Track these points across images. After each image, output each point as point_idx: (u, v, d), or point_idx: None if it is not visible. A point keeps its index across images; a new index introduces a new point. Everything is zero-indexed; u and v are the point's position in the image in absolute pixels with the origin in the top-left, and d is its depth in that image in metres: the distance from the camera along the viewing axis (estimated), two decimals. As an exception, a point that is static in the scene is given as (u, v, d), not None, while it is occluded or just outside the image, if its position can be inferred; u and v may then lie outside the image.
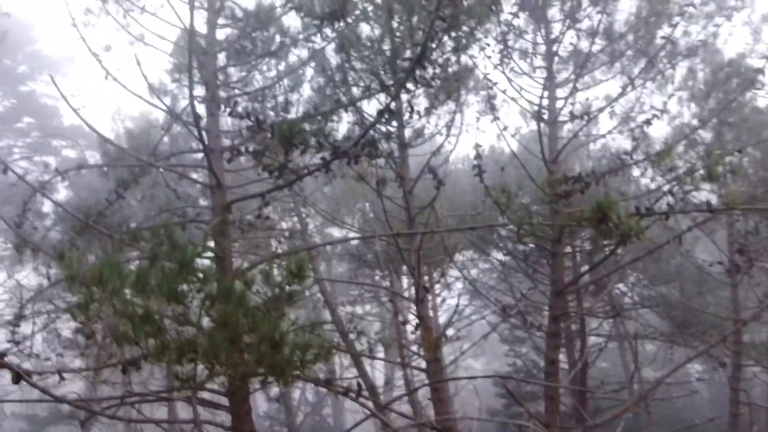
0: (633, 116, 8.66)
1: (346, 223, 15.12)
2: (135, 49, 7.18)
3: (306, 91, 8.36)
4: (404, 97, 4.96)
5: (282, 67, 7.35)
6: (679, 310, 12.17)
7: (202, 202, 10.47)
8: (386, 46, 5.89)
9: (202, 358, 3.00)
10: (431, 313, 15.51)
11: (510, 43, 7.30)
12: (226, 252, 5.77)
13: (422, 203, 8.26)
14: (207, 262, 5.84)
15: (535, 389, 18.64)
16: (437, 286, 15.05)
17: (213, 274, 3.78)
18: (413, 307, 8.47)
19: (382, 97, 5.75)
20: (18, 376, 3.00)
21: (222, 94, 6.59)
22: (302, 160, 5.39)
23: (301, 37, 5.89)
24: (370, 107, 6.71)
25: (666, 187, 6.26)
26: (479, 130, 9.17)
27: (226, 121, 7.91)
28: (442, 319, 16.90)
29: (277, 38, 6.81)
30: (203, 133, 5.89)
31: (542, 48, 7.71)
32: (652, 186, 6.42)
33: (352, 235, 11.72)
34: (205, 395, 5.19)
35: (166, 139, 7.59)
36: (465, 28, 4.02)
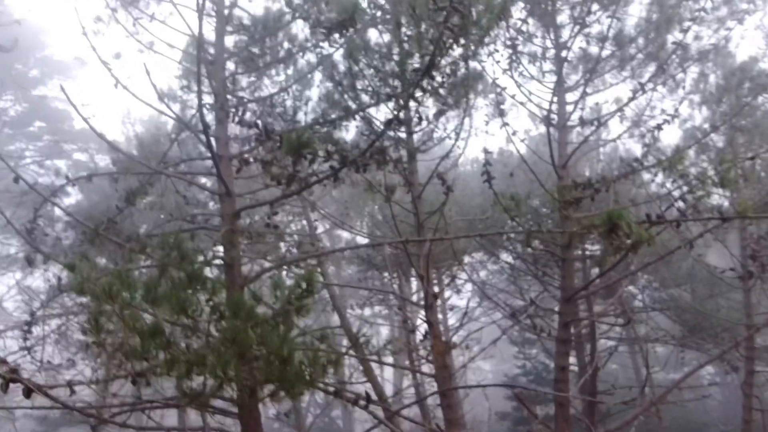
0: (644, 120, 8.60)
1: (354, 228, 15.15)
2: (144, 57, 7.22)
3: (314, 94, 8.36)
4: (412, 104, 4.94)
5: (290, 71, 7.35)
6: (691, 313, 12.05)
7: (212, 205, 10.51)
8: (395, 54, 5.88)
9: (211, 372, 3.00)
10: (440, 316, 15.48)
11: (519, 47, 7.26)
12: (234, 260, 5.78)
13: (431, 207, 8.23)
14: (216, 271, 5.86)
15: (545, 391, 18.55)
16: (446, 289, 15.02)
17: (221, 285, 3.78)
18: (422, 311, 8.45)
19: (390, 103, 5.74)
20: (29, 390, 3.02)
21: (231, 99, 6.61)
22: (311, 168, 5.38)
23: (309, 45, 5.88)
24: (379, 113, 6.68)
25: (677, 192, 6.21)
26: (488, 133, 9.16)
27: (235, 128, 7.94)
28: (452, 320, 16.88)
29: (286, 44, 6.82)
30: (212, 140, 5.92)
31: (551, 52, 7.66)
32: (663, 191, 6.36)
33: (360, 238, 11.70)
34: (215, 402, 5.21)
35: (175, 144, 7.59)
36: (473, 37, 4.00)
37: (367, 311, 16.20)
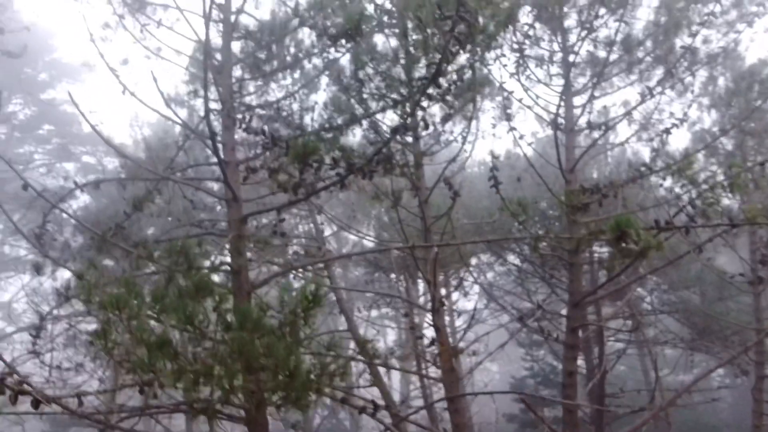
0: (652, 123, 8.54)
1: (361, 231, 15.14)
2: (152, 63, 7.26)
3: (321, 98, 8.35)
4: (419, 112, 4.93)
5: (297, 75, 7.36)
6: (700, 316, 11.96)
7: (220, 209, 10.55)
8: (401, 57, 5.87)
9: (218, 384, 3.00)
10: (447, 318, 15.46)
11: (526, 51, 7.23)
12: (242, 266, 5.79)
13: (438, 211, 8.21)
14: (223, 276, 5.87)
15: (553, 393, 18.46)
16: (454, 292, 14.98)
17: (228, 292, 3.78)
18: (429, 314, 8.44)
19: (397, 109, 5.72)
20: (37, 402, 3.03)
21: (238, 105, 6.62)
22: (317, 175, 5.38)
23: (315, 50, 5.88)
24: (386, 117, 6.67)
25: (686, 197, 6.16)
26: (495, 136, 9.13)
27: (242, 133, 7.95)
28: (459, 322, 16.83)
29: (292, 50, 6.82)
30: (219, 146, 5.93)
31: (559, 56, 7.62)
32: (672, 196, 6.31)
33: (367, 241, 11.69)
34: (222, 407, 5.22)
35: (183, 149, 7.61)
36: (480, 44, 3.99)
37: (374, 313, 16.20)
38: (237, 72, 7.00)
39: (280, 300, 3.37)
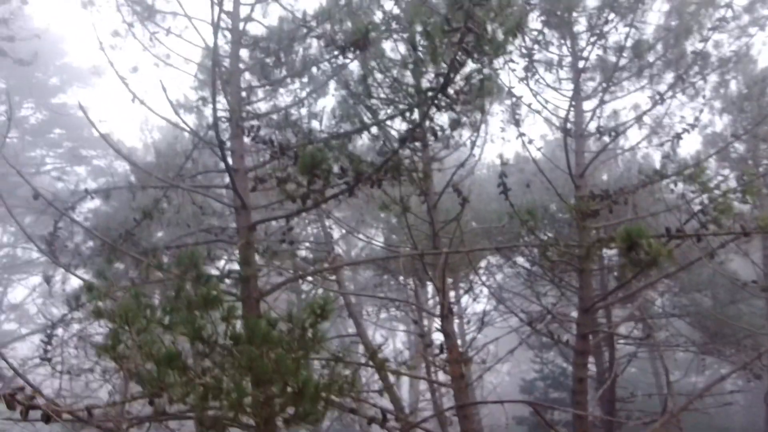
0: (663, 126, 8.47)
1: (369, 234, 15.13)
2: (161, 71, 7.29)
3: (329, 103, 8.33)
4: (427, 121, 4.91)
5: (305, 80, 7.36)
6: (712, 319, 11.84)
7: (229, 213, 10.57)
8: (410, 62, 5.84)
9: (227, 398, 3.00)
10: (457, 321, 15.41)
11: (535, 56, 7.19)
12: (250, 274, 5.80)
13: (447, 215, 8.19)
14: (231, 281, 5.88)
15: (563, 396, 18.37)
16: (463, 295, 14.94)
17: (237, 302, 3.78)
18: (438, 319, 8.42)
19: (405, 116, 5.71)
20: (48, 417, 3.05)
21: (246, 113, 6.63)
22: (326, 184, 5.37)
23: (323, 58, 5.88)
24: (394, 123, 6.65)
25: (697, 201, 6.09)
26: (504, 140, 9.10)
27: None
28: (468, 322, 16.77)
29: (300, 56, 6.82)
30: (227, 154, 5.95)
31: (568, 60, 7.58)
32: (683, 202, 6.25)
33: (376, 243, 11.67)
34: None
35: (193, 154, 7.64)
36: (488, 53, 3.96)
37: (382, 314, 16.19)
38: (245, 77, 7.03)
39: (288, 313, 3.37)
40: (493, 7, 3.58)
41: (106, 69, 6.91)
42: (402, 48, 7.46)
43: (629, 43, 6.65)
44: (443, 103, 4.08)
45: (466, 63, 4.03)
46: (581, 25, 7.14)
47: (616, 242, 4.53)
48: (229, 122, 5.89)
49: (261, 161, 6.45)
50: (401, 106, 5.72)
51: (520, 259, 12.44)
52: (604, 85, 7.12)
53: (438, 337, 8.50)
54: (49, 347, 6.96)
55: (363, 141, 7.27)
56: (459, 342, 14.46)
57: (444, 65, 3.74)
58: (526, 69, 7.14)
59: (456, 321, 14.58)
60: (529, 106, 7.36)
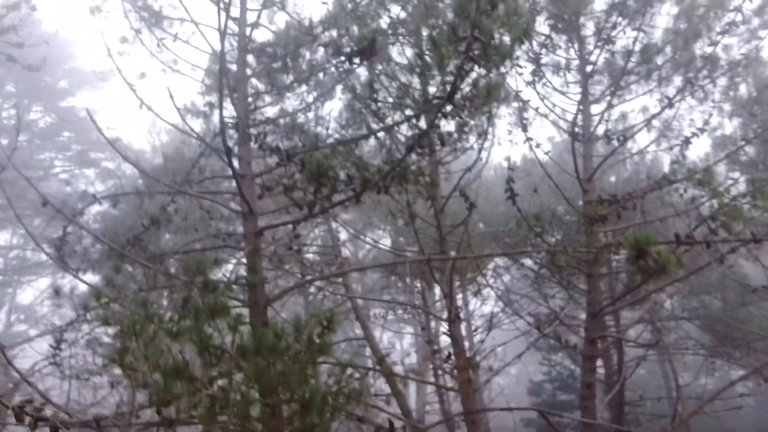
0: (672, 128, 8.42)
1: (376, 236, 15.11)
2: (168, 76, 7.32)
3: (336, 106, 8.33)
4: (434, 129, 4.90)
5: (312, 83, 7.37)
6: (721, 323, 11.73)
7: (237, 216, 10.60)
8: (417, 69, 5.83)
9: (235, 410, 3.01)
10: (464, 323, 15.37)
11: (543, 59, 7.16)
12: (258, 279, 5.81)
13: (454, 218, 8.16)
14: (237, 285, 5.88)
15: (571, 398, 18.29)
16: (469, 295, 14.90)
17: (244, 315, 3.79)
18: (446, 323, 8.40)
19: (413, 122, 5.69)
20: (56, 430, 3.06)
21: (253, 118, 6.64)
22: (332, 191, 5.36)
23: (330, 65, 5.88)
24: (401, 127, 6.64)
25: (707, 205, 6.05)
26: (511, 142, 9.06)
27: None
28: (476, 324, 16.73)
29: (307, 56, 6.82)
30: (234, 160, 5.96)
31: (575, 63, 7.54)
32: (692, 206, 6.20)
33: (383, 247, 11.66)
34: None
35: (200, 159, 7.66)
36: (495, 61, 3.95)
37: (390, 315, 16.18)
38: (252, 82, 7.04)
39: (295, 323, 3.36)
40: (500, 16, 3.57)
41: (111, 74, 6.94)
42: (409, 52, 7.46)
43: (637, 47, 6.60)
44: (450, 111, 4.07)
45: (472, 70, 4.02)
46: (589, 30, 7.10)
47: (624, 248, 4.49)
48: (236, 129, 5.89)
49: (268, 167, 6.45)
50: (408, 112, 5.71)
51: (527, 262, 12.39)
52: (612, 88, 7.07)
53: (445, 340, 8.49)
54: (58, 352, 7.01)
55: (370, 144, 7.27)
56: (466, 344, 14.44)
57: (451, 74, 3.72)
58: (534, 73, 7.10)
59: (464, 323, 14.56)
60: (536, 110, 7.32)
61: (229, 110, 6.18)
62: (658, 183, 5.94)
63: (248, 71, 6.70)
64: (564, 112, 7.70)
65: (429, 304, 10.92)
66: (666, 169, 9.41)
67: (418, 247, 7.48)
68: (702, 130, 6.51)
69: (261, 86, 7.11)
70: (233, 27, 6.40)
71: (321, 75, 6.29)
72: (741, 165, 8.19)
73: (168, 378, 3.04)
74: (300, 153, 5.63)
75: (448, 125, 6.11)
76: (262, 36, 6.59)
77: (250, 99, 6.79)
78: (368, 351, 10.32)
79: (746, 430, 20.22)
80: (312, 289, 13.05)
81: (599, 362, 11.33)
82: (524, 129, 6.90)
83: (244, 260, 6.89)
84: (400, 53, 7.43)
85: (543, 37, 6.79)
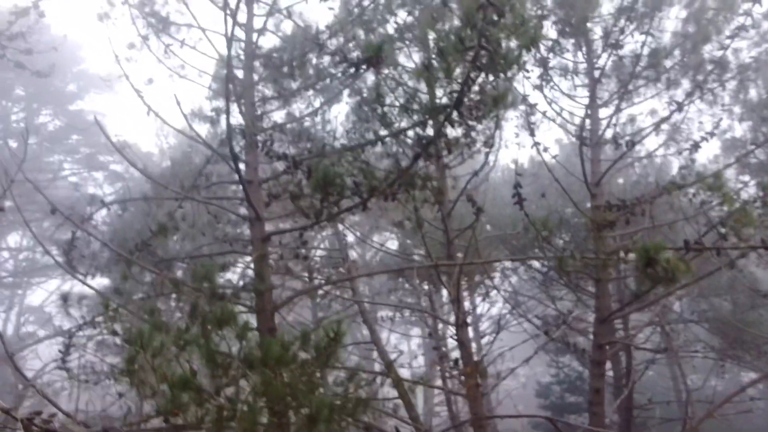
0: (680, 130, 8.35)
1: (384, 240, 15.09)
2: (175, 81, 7.34)
3: (343, 110, 8.30)
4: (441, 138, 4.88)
5: (319, 87, 7.36)
6: (731, 326, 11.63)
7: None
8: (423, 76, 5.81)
9: (241, 424, 3.01)
10: (472, 326, 15.34)
11: (550, 63, 7.12)
12: (265, 287, 5.81)
13: (461, 220, 8.13)
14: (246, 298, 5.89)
15: (579, 401, 18.21)
16: (477, 297, 14.86)
17: (252, 326, 3.79)
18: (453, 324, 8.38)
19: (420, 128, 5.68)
20: (65, 441, 3.08)
21: (260, 124, 6.64)
22: (339, 199, 5.36)
23: (336, 72, 5.88)
24: (409, 132, 6.62)
25: (716, 210, 6.00)
26: (519, 145, 9.02)
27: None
28: (484, 326, 16.69)
29: (314, 60, 6.82)
30: (241, 166, 5.97)
31: (583, 66, 7.49)
32: (702, 210, 6.15)
33: (391, 252, 11.65)
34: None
35: (207, 163, 7.68)
36: (503, 69, 3.93)
37: (397, 317, 16.16)
38: (259, 87, 7.05)
39: (302, 335, 3.36)
40: (507, 25, 3.55)
41: (118, 79, 6.96)
42: (416, 56, 7.44)
43: (646, 50, 6.56)
44: (457, 120, 4.06)
45: (479, 78, 4.00)
46: (597, 34, 7.05)
47: (633, 255, 4.46)
48: (243, 135, 5.90)
49: (275, 173, 6.45)
50: (416, 117, 5.70)
51: (535, 263, 12.34)
52: (621, 92, 7.02)
53: (452, 342, 8.45)
54: (66, 357, 7.05)
55: (377, 150, 7.25)
56: (474, 346, 14.40)
57: (458, 82, 3.71)
58: (541, 77, 7.07)
59: (471, 326, 14.52)
60: (544, 113, 7.29)
61: (236, 116, 6.20)
62: (667, 188, 5.90)
63: (255, 76, 6.70)
64: (572, 116, 7.65)
65: (436, 307, 10.90)
66: (675, 171, 9.35)
67: (425, 251, 7.46)
68: (711, 135, 6.45)
69: (268, 92, 7.12)
70: (240, 33, 6.41)
71: (328, 80, 6.28)
72: (751, 169, 8.11)
73: (175, 389, 3.05)
74: (307, 158, 5.64)
75: (455, 131, 6.10)
76: (269, 42, 6.59)
77: (257, 104, 6.80)
78: (375, 354, 10.30)
79: (756, 431, 20.05)
80: (319, 292, 13.07)
81: (608, 365, 11.27)
82: (532, 133, 6.87)
83: (251, 265, 6.91)
84: (407, 57, 7.42)
85: (551, 42, 6.75)
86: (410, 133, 6.33)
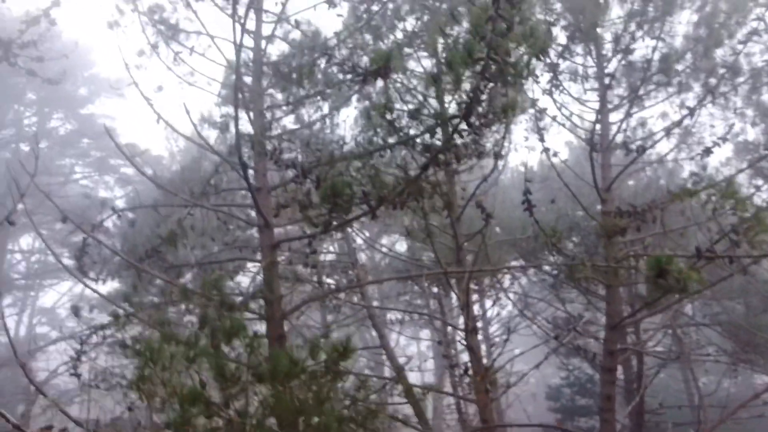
0: (692, 133, 8.28)
1: (392, 241, 15.07)
2: (185, 88, 7.37)
3: (352, 113, 8.29)
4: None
5: (328, 90, 7.35)
6: (744, 329, 11.50)
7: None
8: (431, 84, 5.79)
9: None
10: (481, 327, 15.28)
11: (560, 67, 7.07)
12: (275, 293, 5.82)
13: (471, 223, 8.10)
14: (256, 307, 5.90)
15: (589, 403, 18.10)
16: (486, 299, 14.81)
17: (262, 340, 3.79)
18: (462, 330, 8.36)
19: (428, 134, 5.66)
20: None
21: (268, 131, 6.65)
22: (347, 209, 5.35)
23: (344, 81, 5.87)
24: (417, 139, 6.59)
25: (729, 213, 5.92)
26: (528, 148, 8.98)
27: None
28: (493, 328, 16.61)
29: (322, 65, 6.81)
30: (250, 174, 5.98)
31: (593, 70, 7.44)
32: (714, 216, 6.07)
33: (400, 258, 11.65)
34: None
35: (217, 168, 7.71)
36: (512, 79, 3.91)
37: (406, 318, 16.14)
38: (268, 92, 7.05)
39: (311, 348, 3.36)
40: (516, 35, 3.53)
41: (127, 85, 7.00)
42: (425, 62, 7.41)
43: (657, 56, 6.49)
44: (466, 131, 4.04)
45: (487, 88, 3.98)
46: (607, 39, 6.99)
47: (643, 259, 4.43)
48: (252, 145, 5.91)
49: (284, 179, 6.46)
50: (426, 124, 5.69)
51: (546, 267, 12.26)
52: (632, 97, 6.96)
53: (461, 344, 8.43)
54: (78, 363, 7.10)
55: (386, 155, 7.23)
56: (483, 348, 14.34)
57: (466, 94, 3.69)
58: (551, 82, 7.03)
59: (480, 329, 14.47)
60: (553, 118, 7.24)
61: (245, 124, 6.21)
62: (679, 196, 5.84)
63: (264, 82, 6.71)
64: (582, 120, 7.60)
65: (446, 311, 10.88)
66: (686, 174, 9.25)
67: (434, 257, 7.44)
68: (724, 140, 6.38)
69: (277, 96, 7.12)
70: (249, 41, 6.42)
71: (336, 88, 6.28)
72: (764, 174, 8.02)
73: (185, 405, 3.06)
74: (315, 165, 5.63)
75: (464, 139, 6.07)
76: (277, 49, 6.59)
77: (266, 110, 6.81)
78: (384, 357, 10.29)
79: (769, 435, 19.84)
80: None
81: (619, 369, 11.19)
82: (541, 139, 6.83)
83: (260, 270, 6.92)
84: (416, 61, 7.39)
85: (560, 48, 6.71)
86: (419, 140, 6.32)
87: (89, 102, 21.96)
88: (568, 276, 6.65)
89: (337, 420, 3.22)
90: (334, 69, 5.78)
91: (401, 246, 15.32)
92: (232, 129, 8.32)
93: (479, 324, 14.88)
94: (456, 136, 4.07)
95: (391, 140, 5.97)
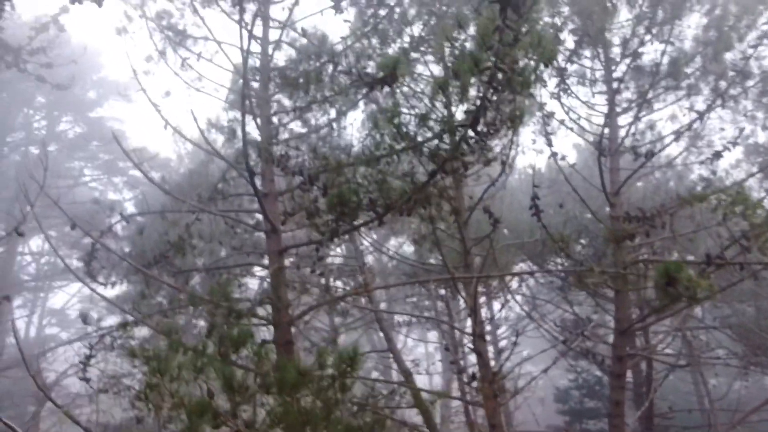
0: (701, 136, 8.22)
1: (400, 243, 15.05)
2: (192, 94, 7.39)
3: (359, 116, 8.27)
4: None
5: (334, 93, 7.34)
6: (755, 332, 11.40)
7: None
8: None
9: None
10: (489, 327, 15.24)
11: (568, 71, 7.04)
12: (282, 299, 5.83)
13: (478, 226, 8.07)
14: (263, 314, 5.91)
15: (598, 406, 17.99)
16: (494, 302, 14.77)
17: (268, 341, 3.79)
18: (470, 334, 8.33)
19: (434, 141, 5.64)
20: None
21: (275, 134, 6.66)
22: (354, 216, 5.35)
23: (351, 88, 5.87)
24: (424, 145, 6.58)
25: (739, 220, 5.88)
26: (536, 151, 8.93)
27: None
28: (501, 330, 16.56)
29: (329, 70, 6.81)
30: (256, 179, 5.98)
31: (601, 73, 7.40)
32: (723, 222, 6.02)
33: (407, 262, 11.62)
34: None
35: (224, 173, 7.72)
36: (519, 87, 3.89)
37: (413, 320, 16.12)
38: (275, 98, 7.06)
39: (318, 358, 3.36)
40: (524, 44, 3.51)
41: (135, 90, 7.04)
42: (432, 66, 7.39)
43: (665, 59, 6.45)
44: (473, 138, 4.03)
45: (495, 97, 3.97)
46: (615, 43, 6.95)
47: (653, 268, 4.40)
48: (259, 152, 5.92)
49: (291, 185, 6.46)
50: (434, 128, 5.68)
51: (554, 268, 12.19)
52: (640, 101, 6.92)
53: (469, 346, 8.41)
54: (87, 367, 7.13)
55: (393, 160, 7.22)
56: (491, 350, 14.30)
57: (473, 103, 3.68)
58: (559, 86, 7.00)
59: (488, 332, 14.43)
60: (561, 122, 7.21)
61: (252, 129, 6.22)
62: (689, 200, 5.79)
63: (271, 88, 6.72)
64: (590, 124, 7.56)
65: (453, 314, 10.86)
66: (695, 176, 9.18)
67: (442, 261, 7.42)
68: (734, 144, 6.33)
69: (284, 102, 7.13)
70: (255, 46, 6.43)
71: (343, 94, 6.28)
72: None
73: (193, 416, 3.06)
74: (322, 171, 5.63)
75: (471, 147, 6.05)
76: (284, 54, 6.60)
77: (273, 117, 6.82)
78: (391, 359, 10.28)
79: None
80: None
81: (628, 373, 11.11)
82: (549, 143, 6.80)
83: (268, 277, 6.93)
84: (424, 65, 7.38)
85: (568, 52, 6.68)
86: (426, 146, 6.31)
87: (98, 105, 22.11)
88: (576, 281, 6.60)
89: (345, 430, 3.21)
90: (341, 76, 5.78)
91: (408, 248, 15.29)
92: (239, 134, 8.36)
93: (488, 328, 14.86)
94: (463, 144, 4.06)
95: (398, 146, 5.97)
